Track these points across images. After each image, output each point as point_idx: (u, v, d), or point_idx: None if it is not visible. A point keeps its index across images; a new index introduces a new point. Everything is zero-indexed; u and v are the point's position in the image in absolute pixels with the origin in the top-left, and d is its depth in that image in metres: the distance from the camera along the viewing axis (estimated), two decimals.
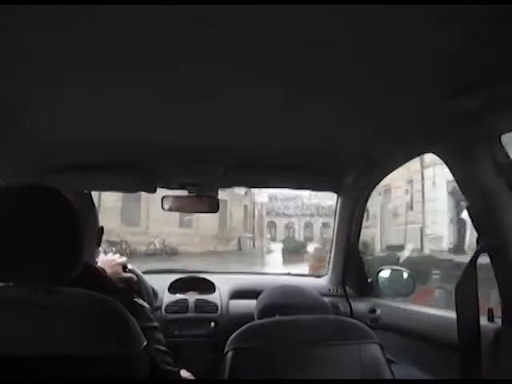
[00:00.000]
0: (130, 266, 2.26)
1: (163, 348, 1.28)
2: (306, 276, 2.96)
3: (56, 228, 1.00)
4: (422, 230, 14.78)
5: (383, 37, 0.97)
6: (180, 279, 2.56)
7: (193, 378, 1.63)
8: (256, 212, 27.47)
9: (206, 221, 20.38)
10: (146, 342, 1.02)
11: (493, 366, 1.37)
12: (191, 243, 20.22)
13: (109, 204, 17.04)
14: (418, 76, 1.15)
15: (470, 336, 1.38)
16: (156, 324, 1.31)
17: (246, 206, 26.14)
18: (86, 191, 1.94)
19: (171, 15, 0.91)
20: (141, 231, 19.61)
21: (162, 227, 18.80)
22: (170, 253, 18.87)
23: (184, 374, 1.62)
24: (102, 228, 1.35)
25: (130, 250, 17.43)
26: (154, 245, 19.31)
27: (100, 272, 1.29)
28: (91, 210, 1.36)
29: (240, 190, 22.74)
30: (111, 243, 16.98)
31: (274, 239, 28.39)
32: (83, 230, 1.09)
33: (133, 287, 1.64)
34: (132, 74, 1.19)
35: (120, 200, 18.04)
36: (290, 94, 1.31)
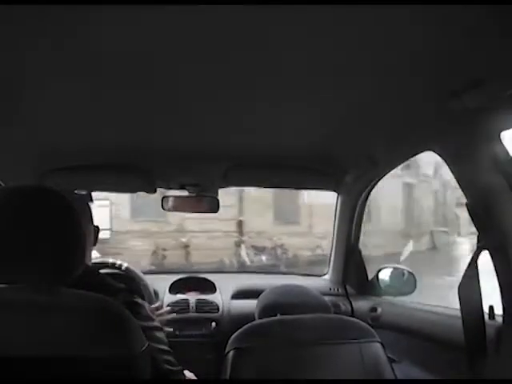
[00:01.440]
0: (125, 265, 2.26)
1: (165, 348, 1.28)
2: (307, 275, 2.94)
3: (58, 230, 1.00)
4: None
5: (383, 36, 0.98)
6: (180, 279, 2.57)
7: (195, 378, 1.62)
8: (447, 198, 19.49)
9: (389, 213, 15.84)
10: (147, 343, 1.02)
11: (494, 364, 1.37)
12: (371, 243, 12.64)
13: (255, 194, 13.66)
14: (418, 75, 1.16)
15: (474, 335, 1.38)
16: (157, 324, 1.31)
17: (436, 192, 19.39)
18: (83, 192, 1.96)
19: (171, 17, 0.91)
20: (302, 231, 14.90)
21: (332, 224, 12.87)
22: None
23: (187, 374, 1.59)
24: (98, 228, 1.35)
25: (287, 257, 13.78)
26: (322, 249, 13.27)
27: (98, 272, 1.30)
28: (85, 209, 1.35)
29: (428, 169, 17.36)
30: (259, 249, 13.77)
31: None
32: (84, 232, 1.09)
33: (133, 288, 1.64)
34: (131, 76, 1.20)
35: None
36: (290, 94, 1.32)
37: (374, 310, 2.28)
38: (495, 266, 1.40)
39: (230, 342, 1.53)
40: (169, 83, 1.24)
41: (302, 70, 1.16)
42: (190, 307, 2.38)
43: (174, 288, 2.51)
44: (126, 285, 1.43)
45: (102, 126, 1.62)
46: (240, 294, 2.51)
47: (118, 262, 2.31)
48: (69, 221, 1.03)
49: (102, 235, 1.46)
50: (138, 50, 1.06)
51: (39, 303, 0.95)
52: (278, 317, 1.65)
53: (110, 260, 2.34)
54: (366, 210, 2.46)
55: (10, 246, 0.95)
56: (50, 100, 1.36)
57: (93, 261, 2.26)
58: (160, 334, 1.29)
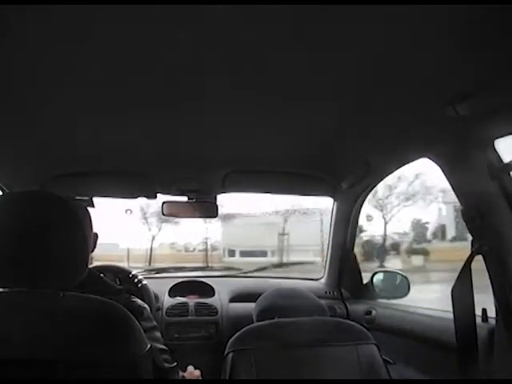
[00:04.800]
0: (126, 269, 2.26)
1: (162, 346, 1.32)
2: (303, 279, 2.95)
3: (62, 235, 1.01)
4: None
5: (381, 46, 1.02)
6: (180, 283, 2.58)
7: (198, 372, 1.65)
8: None
9: None
10: (149, 345, 1.04)
11: (487, 366, 1.39)
12: None
13: None
14: (415, 84, 1.19)
15: (466, 337, 1.40)
16: (155, 323, 1.34)
17: None
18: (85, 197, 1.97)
19: (174, 31, 0.94)
20: None
21: None
22: None
23: (190, 368, 1.64)
24: (97, 234, 1.37)
25: None
26: None
27: (97, 275, 1.32)
28: (86, 215, 1.35)
29: None
30: None
31: None
32: (88, 238, 1.12)
33: (133, 290, 1.65)
34: (133, 85, 1.22)
35: None
36: (288, 102, 1.34)
37: (368, 312, 2.29)
38: (488, 270, 1.42)
39: (228, 344, 1.54)
40: (169, 92, 1.26)
41: (299, 80, 1.19)
42: (190, 310, 2.39)
43: (174, 291, 2.52)
44: (127, 287, 1.45)
45: (103, 133, 1.63)
46: (238, 298, 2.52)
47: (119, 266, 2.32)
48: (73, 226, 1.04)
49: None
50: (140, 61, 1.08)
51: (44, 307, 0.96)
52: (276, 319, 1.66)
53: (111, 264, 2.35)
54: None
55: (15, 251, 0.96)
56: (51, 107, 1.37)
57: (93, 265, 2.29)
58: (158, 334, 1.33)
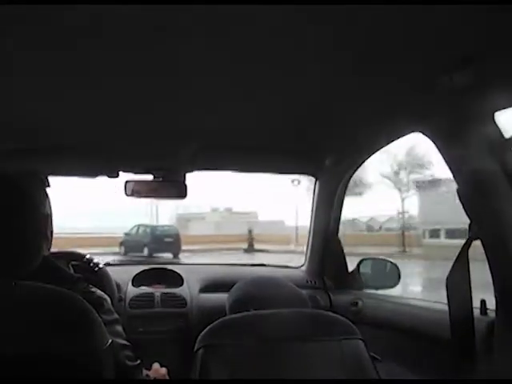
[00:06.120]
0: (87, 256, 2.18)
1: (124, 342, 1.27)
2: (281, 267, 2.97)
3: (10, 219, 1.00)
4: None
5: (370, 9, 0.93)
6: (144, 271, 2.51)
7: (163, 370, 1.62)
8: None
9: None
10: (110, 340, 1.00)
11: (485, 363, 1.35)
12: None
13: None
14: (406, 51, 1.13)
15: (462, 330, 1.38)
16: (116, 316, 1.29)
17: None
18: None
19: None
20: None
21: None
22: None
23: (155, 366, 1.62)
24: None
25: None
26: None
27: (54, 262, 1.26)
28: (40, 196, 1.30)
29: None
30: None
31: None
32: (41, 220, 1.10)
33: (93, 279, 1.58)
34: (94, 53, 1.15)
35: None
36: (265, 73, 1.27)
37: (354, 304, 2.25)
38: (488, 257, 1.37)
39: (199, 339, 1.47)
40: (131, 57, 1.18)
41: (280, 49, 1.12)
42: (155, 301, 2.31)
43: (138, 280, 2.44)
44: (85, 276, 1.39)
45: (59, 105, 1.54)
46: (209, 287, 2.46)
47: (78, 253, 2.23)
48: (23, 207, 1.02)
49: None
50: (98, 31, 1.02)
51: None
52: (252, 312, 1.60)
53: (69, 250, 2.25)
54: None
55: None
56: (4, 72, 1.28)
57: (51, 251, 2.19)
58: (119, 328, 1.29)
